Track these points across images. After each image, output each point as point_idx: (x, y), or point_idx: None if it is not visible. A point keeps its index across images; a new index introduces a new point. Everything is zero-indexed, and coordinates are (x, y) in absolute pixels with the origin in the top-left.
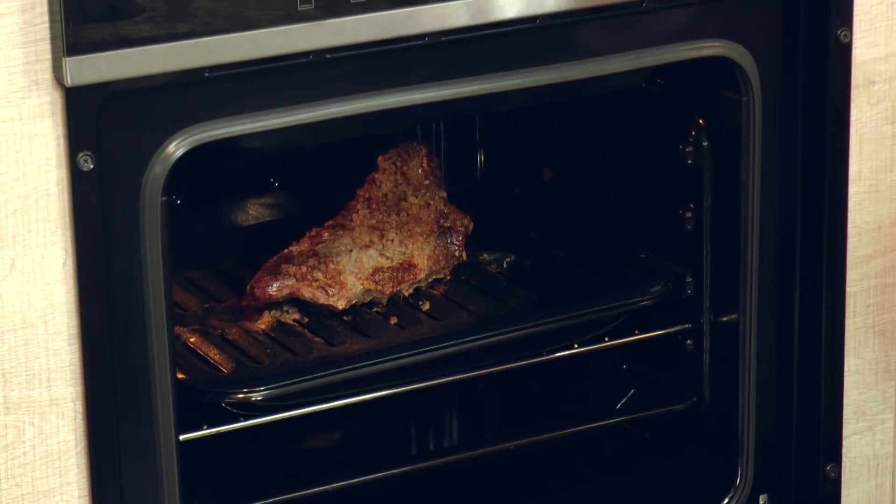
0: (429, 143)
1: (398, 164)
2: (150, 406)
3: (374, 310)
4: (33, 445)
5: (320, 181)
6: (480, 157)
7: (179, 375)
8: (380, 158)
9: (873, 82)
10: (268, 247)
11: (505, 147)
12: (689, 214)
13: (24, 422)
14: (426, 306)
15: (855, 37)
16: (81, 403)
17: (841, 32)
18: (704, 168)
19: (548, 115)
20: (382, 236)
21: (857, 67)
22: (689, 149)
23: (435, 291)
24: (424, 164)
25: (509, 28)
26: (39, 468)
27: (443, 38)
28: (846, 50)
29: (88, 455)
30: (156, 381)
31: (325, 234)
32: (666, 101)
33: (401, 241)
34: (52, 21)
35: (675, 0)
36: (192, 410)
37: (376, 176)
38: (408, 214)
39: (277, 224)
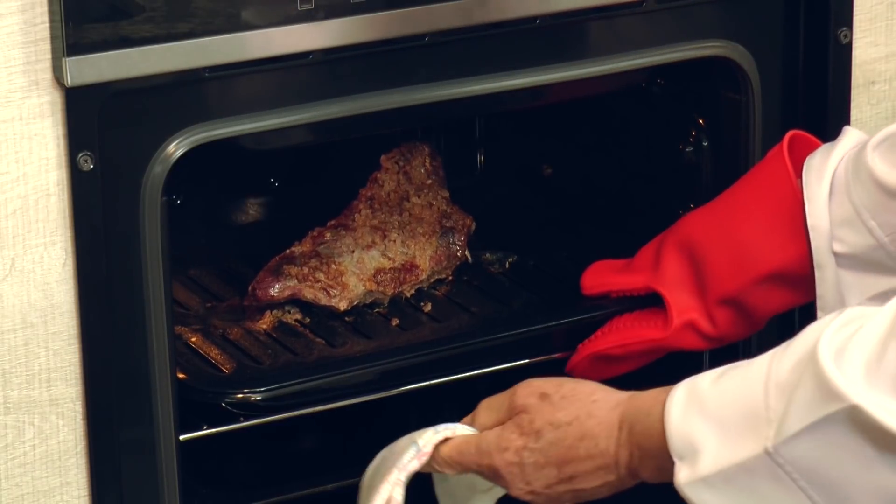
0: (429, 142)
1: (401, 163)
2: (150, 406)
3: (376, 311)
4: (33, 445)
5: (326, 180)
6: (480, 157)
7: (180, 375)
8: (383, 157)
9: (873, 82)
10: (272, 246)
11: (505, 146)
12: None
13: (24, 422)
14: (428, 307)
15: (855, 37)
16: (81, 403)
17: (841, 32)
18: (704, 168)
19: (548, 114)
20: (384, 237)
21: (857, 67)
22: (689, 149)
23: (437, 292)
24: (427, 164)
25: (509, 28)
26: (39, 468)
27: (443, 38)
28: (846, 50)
29: (88, 455)
30: (156, 381)
31: (328, 235)
32: (666, 101)
33: (403, 242)
34: (52, 21)
35: (675, 0)
36: (192, 410)
37: (379, 175)
38: (410, 214)
39: (282, 223)
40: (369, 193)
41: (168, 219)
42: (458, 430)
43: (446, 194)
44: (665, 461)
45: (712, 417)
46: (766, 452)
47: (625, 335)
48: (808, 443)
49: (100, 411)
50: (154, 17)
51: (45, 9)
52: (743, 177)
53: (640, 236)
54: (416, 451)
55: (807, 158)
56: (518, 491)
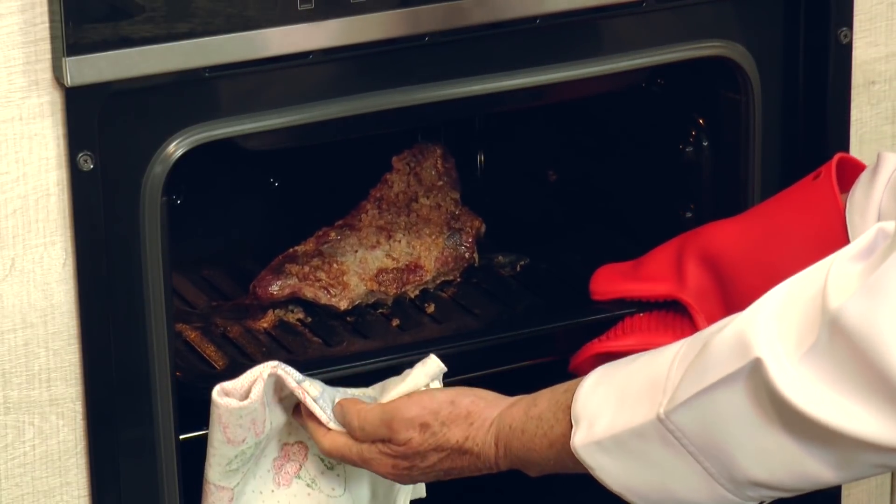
0: (441, 143)
1: (412, 164)
2: (150, 406)
3: (379, 311)
4: (33, 445)
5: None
6: (480, 158)
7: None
8: (394, 158)
9: (873, 82)
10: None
11: (505, 148)
12: (689, 215)
13: (24, 422)
14: (431, 308)
15: (855, 37)
16: (81, 403)
17: (841, 32)
18: (704, 168)
19: (548, 114)
20: (390, 237)
21: (857, 67)
22: (689, 149)
23: (443, 294)
24: (439, 165)
25: (509, 28)
26: (39, 468)
27: (443, 38)
28: (846, 50)
29: (88, 455)
30: (156, 381)
31: (333, 234)
32: (666, 101)
33: (408, 243)
34: (52, 21)
35: (675, 0)
36: (192, 410)
37: (389, 176)
38: (417, 215)
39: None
40: (378, 194)
41: (168, 219)
42: (331, 423)
43: (456, 196)
44: (546, 467)
45: (617, 389)
46: (658, 418)
47: (648, 337)
48: (698, 408)
49: (100, 411)
50: (154, 17)
51: (45, 9)
52: (779, 196)
53: (640, 237)
54: (300, 380)
55: (849, 194)
56: (404, 483)
